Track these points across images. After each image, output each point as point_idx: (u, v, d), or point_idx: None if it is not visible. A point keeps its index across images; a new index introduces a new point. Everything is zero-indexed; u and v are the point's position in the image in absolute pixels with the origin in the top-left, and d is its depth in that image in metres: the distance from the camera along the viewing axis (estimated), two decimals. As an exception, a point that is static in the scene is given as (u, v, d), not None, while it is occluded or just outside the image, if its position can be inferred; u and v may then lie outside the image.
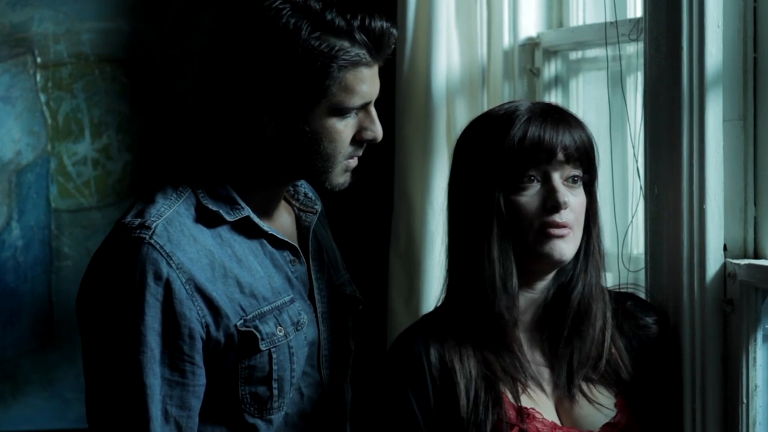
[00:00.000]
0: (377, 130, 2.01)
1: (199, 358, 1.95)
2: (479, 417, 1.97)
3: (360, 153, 2.03)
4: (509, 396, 1.99)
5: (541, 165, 1.99)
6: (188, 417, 1.95)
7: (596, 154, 2.04)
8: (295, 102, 1.95)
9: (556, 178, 2.00)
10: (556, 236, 1.99)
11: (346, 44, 1.94)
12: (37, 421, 3.52)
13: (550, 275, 2.06)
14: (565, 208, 1.99)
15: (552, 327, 2.06)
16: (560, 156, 1.99)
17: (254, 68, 1.95)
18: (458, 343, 2.02)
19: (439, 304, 2.12)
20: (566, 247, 2.00)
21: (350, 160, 2.02)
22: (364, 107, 1.99)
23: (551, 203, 1.98)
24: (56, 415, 3.53)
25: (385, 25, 1.96)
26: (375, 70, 1.99)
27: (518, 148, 1.98)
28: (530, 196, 1.99)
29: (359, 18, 1.94)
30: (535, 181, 2.00)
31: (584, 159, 2.02)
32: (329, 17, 1.92)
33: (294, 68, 1.93)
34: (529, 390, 2.02)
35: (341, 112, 1.97)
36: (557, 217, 1.99)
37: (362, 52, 1.95)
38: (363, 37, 1.94)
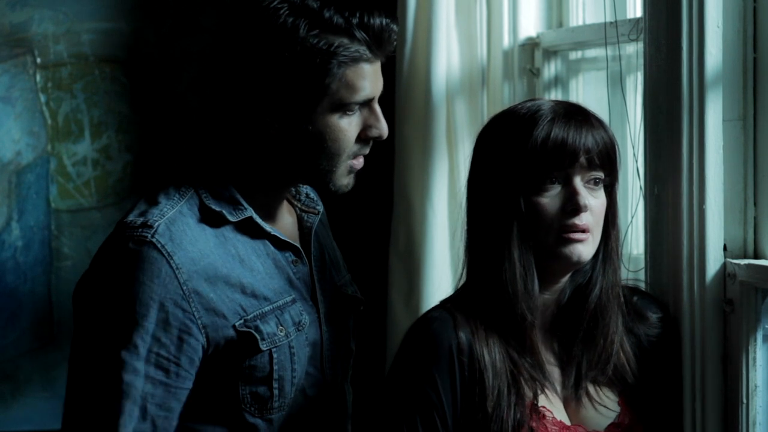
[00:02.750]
0: (382, 128, 2.00)
1: (185, 361, 1.94)
2: (502, 413, 1.96)
3: (366, 152, 2.02)
4: (528, 393, 1.99)
5: (563, 168, 1.98)
6: (165, 418, 1.95)
7: (618, 156, 2.04)
8: (297, 101, 1.95)
9: (578, 180, 1.99)
10: (576, 240, 1.98)
11: (345, 41, 1.93)
12: (37, 421, 3.52)
13: (567, 276, 2.06)
14: (586, 211, 1.98)
15: (566, 328, 2.06)
16: (582, 160, 1.98)
17: (255, 69, 1.95)
18: (486, 334, 2.00)
19: (459, 288, 2.09)
20: (585, 249, 2.00)
21: (355, 161, 2.01)
22: (368, 104, 1.99)
23: (572, 206, 1.98)
24: (56, 415, 3.50)
25: (384, 21, 1.96)
26: (377, 66, 1.98)
27: (541, 150, 1.97)
28: (551, 197, 1.98)
29: (358, 15, 1.94)
30: (556, 183, 1.99)
31: (606, 162, 2.01)
32: (327, 15, 1.92)
33: (294, 67, 1.93)
34: (546, 390, 2.02)
35: (344, 108, 1.96)
36: (577, 220, 1.98)
37: (362, 48, 1.95)
38: (362, 33, 1.94)
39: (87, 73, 3.50)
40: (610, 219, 2.05)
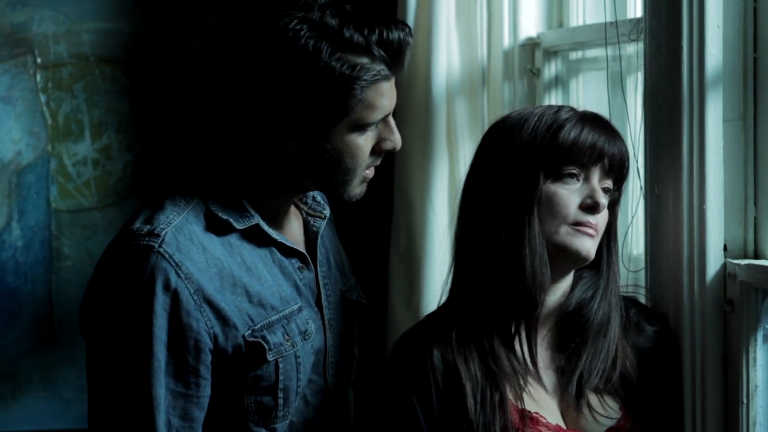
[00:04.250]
0: (396, 140, 2.01)
1: (204, 370, 1.93)
2: (487, 418, 1.97)
3: (378, 162, 2.02)
4: (511, 397, 1.99)
5: (587, 165, 2.02)
6: (190, 428, 1.94)
7: (629, 173, 2.09)
8: (316, 121, 1.93)
9: (596, 181, 2.03)
10: (587, 234, 2.01)
11: (366, 61, 1.92)
12: (37, 422, 3.52)
13: (568, 279, 2.07)
14: (601, 212, 2.02)
15: (567, 336, 2.07)
16: (605, 162, 2.03)
17: (273, 89, 1.93)
18: (463, 343, 2.01)
19: (441, 304, 2.11)
20: (593, 247, 2.03)
21: (368, 171, 2.01)
22: (383, 119, 1.98)
23: (591, 202, 2.02)
24: (56, 416, 3.52)
25: (401, 35, 1.94)
26: (393, 82, 1.98)
27: (572, 144, 2.00)
28: (570, 190, 2.02)
29: (377, 32, 1.92)
30: (576, 179, 2.02)
31: (619, 173, 2.06)
32: (347, 34, 1.90)
33: (316, 90, 1.91)
34: (532, 391, 2.02)
35: (363, 127, 1.96)
36: (591, 218, 2.02)
37: (382, 68, 1.93)
38: (381, 52, 1.93)
39: (87, 73, 3.50)
40: (612, 236, 2.10)
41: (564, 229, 2.01)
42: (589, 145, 2.01)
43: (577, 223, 2.01)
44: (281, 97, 1.93)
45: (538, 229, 2.01)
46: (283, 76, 1.92)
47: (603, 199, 2.03)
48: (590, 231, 2.02)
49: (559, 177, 2.01)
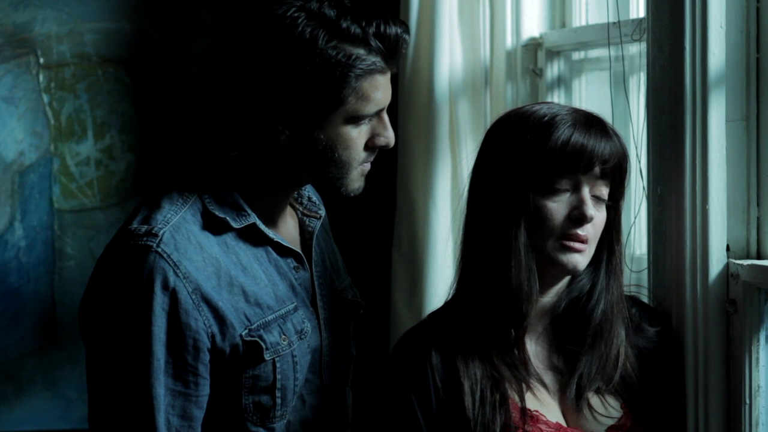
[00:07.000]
0: (390, 136, 2.01)
1: (203, 369, 1.94)
2: (486, 417, 1.97)
3: (372, 158, 2.03)
4: (515, 397, 2.00)
5: (576, 174, 1.99)
6: (189, 427, 1.95)
7: (629, 171, 2.06)
8: (311, 110, 1.94)
9: (586, 191, 2.01)
10: (575, 249, 2.00)
11: (362, 52, 1.93)
12: (40, 422, 3.52)
13: (562, 282, 2.07)
14: (589, 222, 2.00)
15: (566, 337, 2.06)
16: (596, 170, 2.00)
17: (268, 77, 1.94)
18: (463, 344, 2.02)
19: (448, 299, 2.11)
20: (582, 260, 2.02)
21: (364, 165, 2.02)
22: (378, 114, 1.99)
23: (578, 214, 1.99)
24: (59, 416, 3.53)
25: (398, 30, 1.96)
26: (388, 76, 1.98)
27: (560, 153, 1.98)
28: (559, 202, 2.00)
29: (374, 25, 1.93)
30: (566, 189, 2.00)
31: (616, 176, 2.03)
32: (345, 25, 1.92)
33: (311, 77, 1.92)
34: (534, 391, 2.02)
35: (356, 120, 1.96)
36: (580, 230, 2.00)
37: (377, 60, 1.94)
38: (378, 44, 1.94)
39: (90, 73, 3.50)
40: (615, 235, 2.07)
41: (551, 243, 2.00)
42: (577, 156, 1.98)
43: (564, 236, 2.00)
44: (277, 83, 1.94)
45: (526, 241, 2.00)
46: (279, 63, 1.93)
47: (591, 210, 2.00)
48: (578, 246, 2.00)
49: (548, 190, 1.99)
